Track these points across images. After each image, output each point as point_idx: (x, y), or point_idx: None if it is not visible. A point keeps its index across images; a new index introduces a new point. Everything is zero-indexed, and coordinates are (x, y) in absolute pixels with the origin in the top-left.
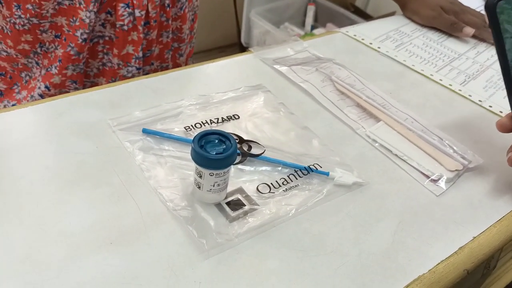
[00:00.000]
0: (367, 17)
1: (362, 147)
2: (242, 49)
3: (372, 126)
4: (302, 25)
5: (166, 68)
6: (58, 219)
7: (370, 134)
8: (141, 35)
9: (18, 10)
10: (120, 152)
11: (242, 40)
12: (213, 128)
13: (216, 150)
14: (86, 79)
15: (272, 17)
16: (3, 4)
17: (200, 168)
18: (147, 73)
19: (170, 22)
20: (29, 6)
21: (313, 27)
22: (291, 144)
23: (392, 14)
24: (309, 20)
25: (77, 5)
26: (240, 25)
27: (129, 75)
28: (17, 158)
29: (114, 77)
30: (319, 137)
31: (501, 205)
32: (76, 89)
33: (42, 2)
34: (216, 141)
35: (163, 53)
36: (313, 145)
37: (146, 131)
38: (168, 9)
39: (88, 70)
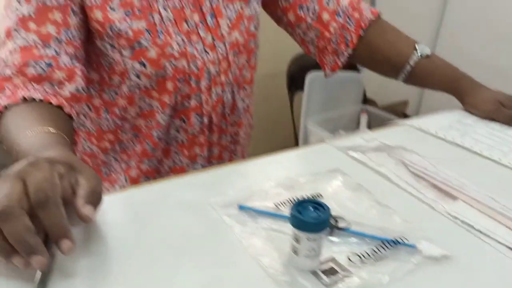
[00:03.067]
0: None
1: (443, 223)
2: None
3: (450, 204)
4: None
5: None
6: (170, 281)
7: (450, 212)
8: (207, 138)
9: (106, 114)
10: (220, 225)
11: None
12: None
13: (312, 216)
14: (158, 174)
15: (327, 126)
16: (92, 109)
17: (297, 232)
18: None
19: (228, 127)
20: (116, 109)
21: None
22: (374, 219)
23: None
24: (362, 128)
25: (155, 109)
26: (297, 133)
27: None
28: (133, 230)
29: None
30: (399, 214)
31: None
32: None
33: (127, 107)
34: (312, 208)
35: (222, 153)
36: (395, 221)
37: (242, 208)
38: (227, 116)
39: (161, 168)
